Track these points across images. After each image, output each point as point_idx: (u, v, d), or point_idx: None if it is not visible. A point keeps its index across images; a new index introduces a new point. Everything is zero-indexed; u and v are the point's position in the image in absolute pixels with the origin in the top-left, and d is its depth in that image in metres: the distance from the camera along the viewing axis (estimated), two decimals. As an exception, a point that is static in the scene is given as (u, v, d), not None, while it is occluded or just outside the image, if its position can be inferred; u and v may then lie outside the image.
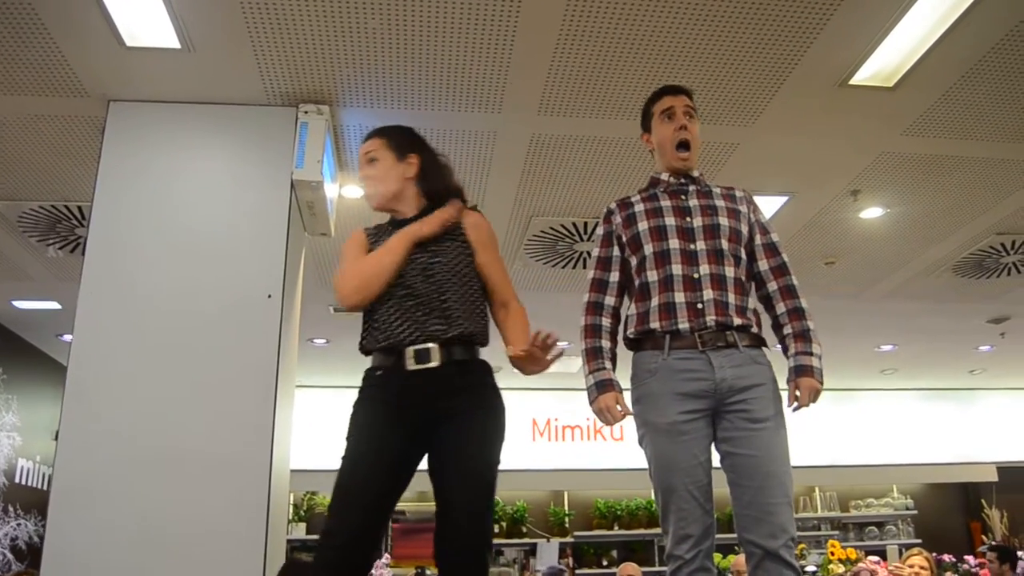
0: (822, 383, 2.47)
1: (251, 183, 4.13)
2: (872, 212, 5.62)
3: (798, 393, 2.46)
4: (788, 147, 4.79)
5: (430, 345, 2.28)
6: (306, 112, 4.14)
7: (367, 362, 2.42)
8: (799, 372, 2.46)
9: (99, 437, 3.64)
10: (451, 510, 2.20)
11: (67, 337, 7.47)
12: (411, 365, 2.28)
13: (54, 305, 7.15)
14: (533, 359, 2.25)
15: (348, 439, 2.29)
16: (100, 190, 3.99)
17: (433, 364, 2.27)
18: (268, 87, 4.09)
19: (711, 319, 2.43)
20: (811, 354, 2.48)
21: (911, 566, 4.63)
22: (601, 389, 2.52)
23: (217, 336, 3.81)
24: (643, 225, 2.58)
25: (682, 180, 2.66)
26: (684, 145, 2.63)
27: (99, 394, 3.71)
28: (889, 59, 3.96)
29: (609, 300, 2.62)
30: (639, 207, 2.63)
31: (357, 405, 2.34)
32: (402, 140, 2.55)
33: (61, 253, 5.96)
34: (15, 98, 4.13)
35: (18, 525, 7.93)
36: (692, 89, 2.80)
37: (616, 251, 2.65)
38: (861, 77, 4.09)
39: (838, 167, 5.05)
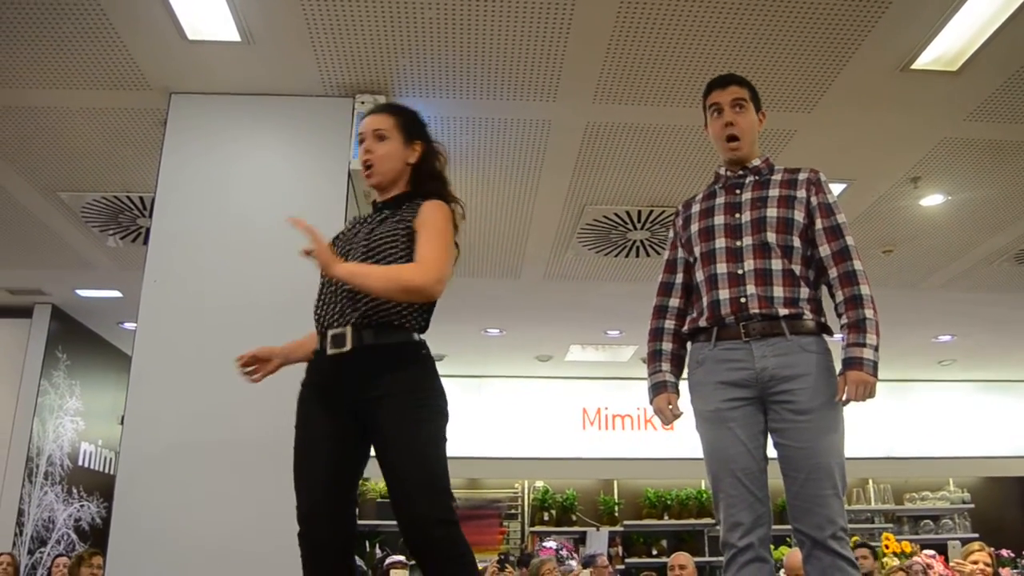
0: (875, 376, 2.37)
1: (309, 173, 4.19)
2: (933, 199, 5.50)
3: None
4: (847, 134, 4.71)
5: (344, 330, 2.29)
6: (363, 102, 4.18)
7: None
8: (847, 365, 2.40)
9: (163, 423, 3.74)
10: (392, 489, 2.22)
11: (128, 325, 7.68)
12: (329, 350, 2.31)
13: (115, 294, 7.32)
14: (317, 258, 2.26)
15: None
16: (163, 181, 4.08)
17: (346, 349, 2.28)
18: (325, 78, 4.13)
19: (755, 311, 2.45)
20: (863, 345, 2.39)
21: (974, 562, 4.52)
22: (655, 392, 2.63)
23: (277, 325, 3.81)
24: (695, 227, 2.63)
25: (740, 172, 2.65)
26: (731, 139, 2.63)
27: (162, 381, 3.80)
28: (953, 42, 3.87)
29: (673, 302, 2.70)
30: (695, 208, 2.67)
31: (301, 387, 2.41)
32: (411, 124, 2.53)
33: (122, 243, 6.10)
34: (80, 92, 4.24)
35: (81, 507, 8.17)
36: (742, 75, 2.74)
37: (680, 253, 2.70)
38: (924, 61, 4.00)
39: (898, 153, 4.95)
